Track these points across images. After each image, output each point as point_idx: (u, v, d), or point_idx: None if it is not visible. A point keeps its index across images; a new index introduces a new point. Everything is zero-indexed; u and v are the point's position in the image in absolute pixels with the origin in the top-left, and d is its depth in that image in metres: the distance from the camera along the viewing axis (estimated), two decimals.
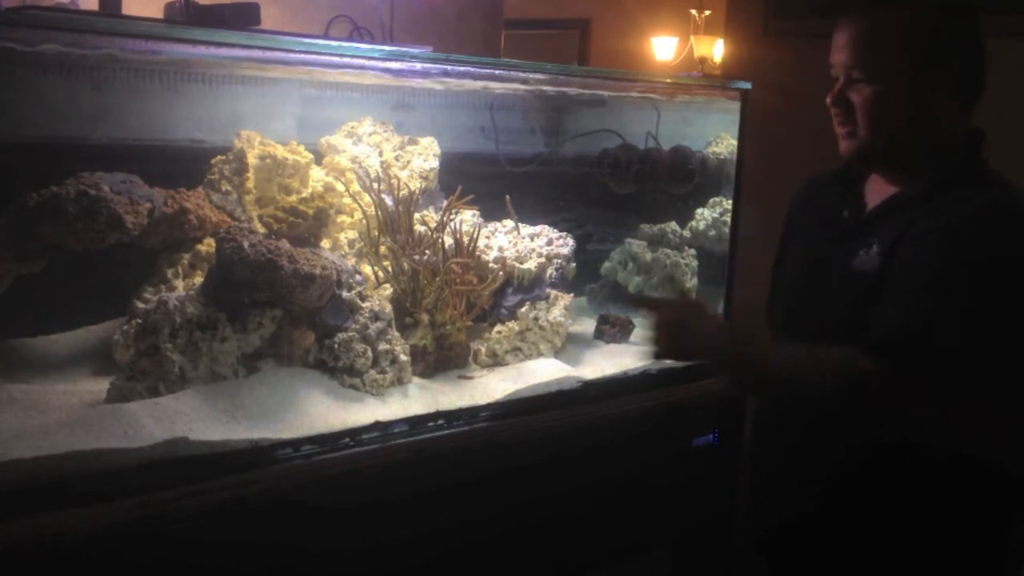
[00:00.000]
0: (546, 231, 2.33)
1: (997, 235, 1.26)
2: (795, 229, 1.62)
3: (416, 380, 1.92)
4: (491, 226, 2.28)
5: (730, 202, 2.50)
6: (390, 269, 2.00)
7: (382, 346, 1.85)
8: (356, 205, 2.10)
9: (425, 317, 1.98)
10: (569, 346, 2.28)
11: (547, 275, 2.26)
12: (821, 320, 1.43)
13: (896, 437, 1.34)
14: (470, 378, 2.01)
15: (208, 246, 1.91)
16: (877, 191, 1.44)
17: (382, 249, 2.01)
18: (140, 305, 1.81)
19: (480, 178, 2.22)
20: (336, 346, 1.81)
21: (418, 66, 1.94)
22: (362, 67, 1.95)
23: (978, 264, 1.25)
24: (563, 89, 2.39)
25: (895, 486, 1.36)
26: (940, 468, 1.33)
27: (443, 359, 2.02)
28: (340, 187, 2.12)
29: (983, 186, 1.33)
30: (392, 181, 2.08)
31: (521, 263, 2.22)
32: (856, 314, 1.35)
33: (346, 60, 1.88)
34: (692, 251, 2.78)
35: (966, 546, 1.36)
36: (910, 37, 1.31)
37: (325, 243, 2.08)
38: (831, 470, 1.41)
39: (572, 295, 2.28)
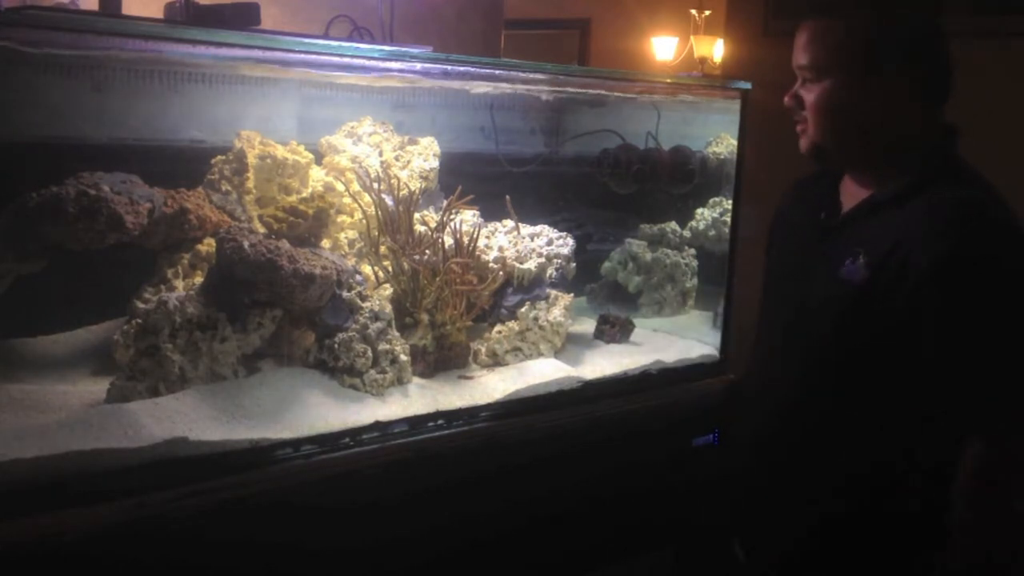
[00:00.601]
0: (546, 231, 2.33)
1: (974, 240, 1.27)
2: (781, 231, 1.63)
3: (416, 380, 1.92)
4: (491, 226, 2.28)
5: (730, 202, 2.50)
6: (390, 269, 2.00)
7: (382, 346, 1.85)
8: (356, 205, 2.10)
9: (425, 317, 1.98)
10: (569, 346, 2.28)
11: (547, 275, 2.26)
12: (806, 324, 1.44)
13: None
14: (470, 378, 2.01)
15: (208, 246, 1.91)
16: (850, 192, 1.46)
17: (382, 249, 2.01)
18: (140, 305, 1.81)
19: (480, 178, 2.22)
20: (336, 346, 1.81)
21: (418, 66, 1.94)
22: (362, 67, 1.95)
23: (987, 287, 1.26)
24: (563, 89, 2.39)
25: (892, 503, 1.36)
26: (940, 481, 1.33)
27: (443, 359, 2.02)
28: (340, 187, 2.12)
29: (954, 186, 1.33)
30: (392, 181, 2.08)
31: (521, 263, 2.22)
32: (842, 321, 1.37)
33: (346, 60, 1.88)
34: (692, 251, 2.79)
35: None
36: (857, 39, 1.34)
37: (325, 243, 2.08)
38: (828, 486, 1.41)
39: (572, 295, 2.28)
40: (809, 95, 1.40)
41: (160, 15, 1.80)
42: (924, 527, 1.33)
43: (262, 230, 1.89)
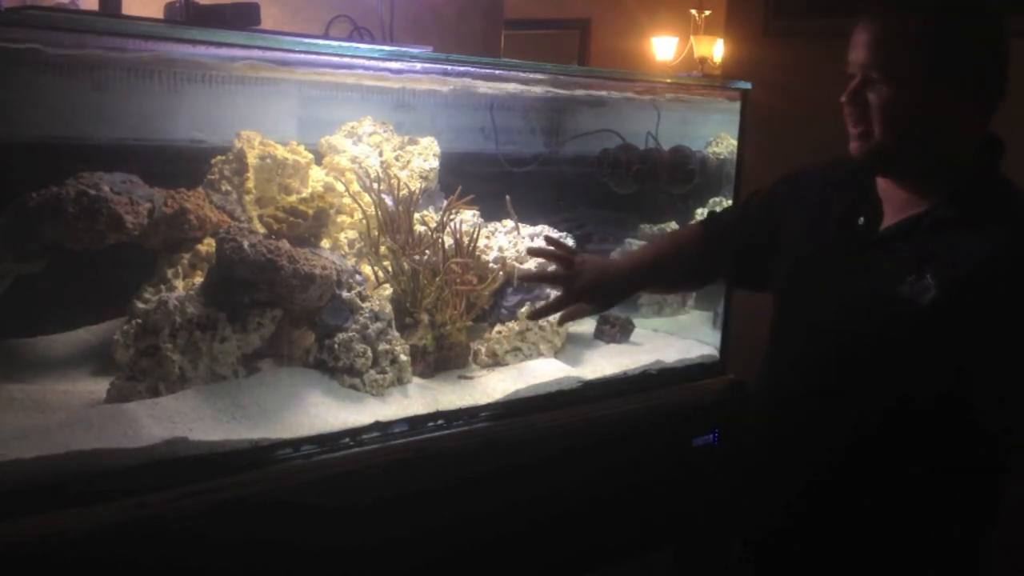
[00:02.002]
0: (546, 231, 2.33)
1: None
2: (790, 222, 1.54)
3: (416, 380, 1.92)
4: (491, 226, 2.28)
5: (730, 202, 2.50)
6: (390, 269, 2.00)
7: (382, 346, 1.85)
8: (356, 205, 2.10)
9: (425, 317, 1.98)
10: (569, 346, 2.28)
11: None
12: (843, 337, 1.38)
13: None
14: (470, 378, 2.01)
15: (208, 246, 1.91)
16: (895, 199, 1.38)
17: (382, 249, 2.01)
18: (140, 305, 1.81)
19: (480, 178, 2.22)
20: (336, 346, 1.81)
21: (418, 66, 1.94)
22: (362, 67, 1.95)
23: None
24: (563, 89, 2.38)
25: (897, 489, 1.35)
26: (949, 473, 1.32)
27: (443, 359, 2.02)
28: (340, 187, 2.12)
29: (1022, 208, 1.31)
30: (392, 181, 2.08)
31: (521, 263, 2.22)
32: (898, 338, 1.31)
33: (346, 60, 1.88)
34: None
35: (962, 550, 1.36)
36: (931, 41, 1.27)
37: (325, 243, 2.08)
38: (870, 502, 1.38)
39: None
40: (876, 96, 1.30)
41: (160, 15, 1.80)
42: (969, 551, 1.32)
43: (262, 230, 1.89)
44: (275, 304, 1.78)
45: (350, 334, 1.83)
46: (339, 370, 1.82)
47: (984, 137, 1.35)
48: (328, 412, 1.72)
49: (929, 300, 1.27)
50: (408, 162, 2.25)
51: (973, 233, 1.28)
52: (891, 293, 1.31)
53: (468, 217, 2.19)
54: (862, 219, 1.41)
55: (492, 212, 2.25)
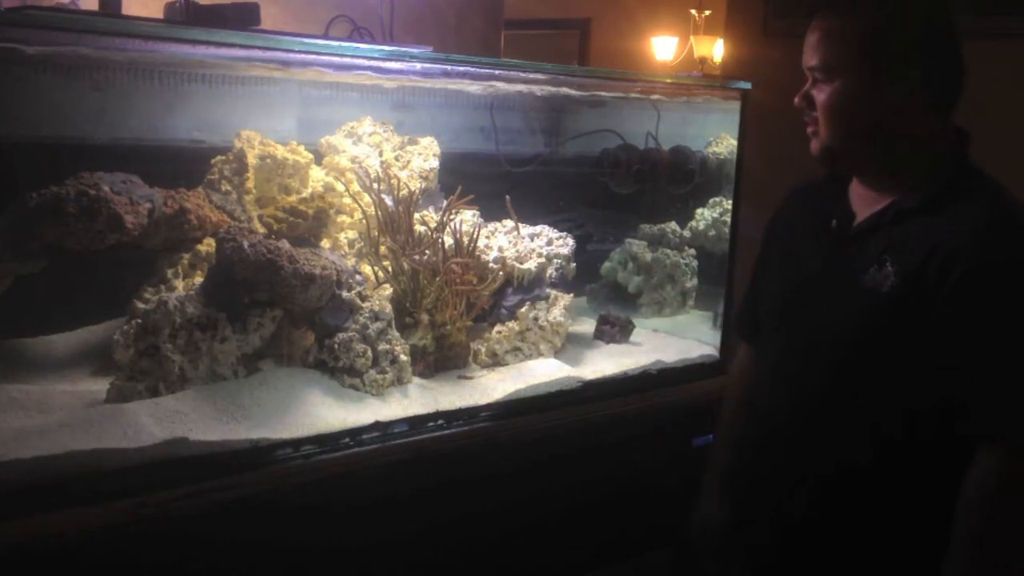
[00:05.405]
0: (546, 231, 2.33)
1: (1016, 249, 1.25)
2: (778, 241, 1.59)
3: (416, 380, 1.92)
4: (491, 226, 2.28)
5: (730, 202, 2.50)
6: (390, 269, 2.00)
7: (382, 346, 1.85)
8: (356, 205, 2.10)
9: (425, 317, 1.98)
10: (569, 346, 2.28)
11: (547, 275, 2.26)
12: (819, 333, 1.40)
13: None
14: (470, 378, 2.01)
15: (208, 246, 1.91)
16: (862, 199, 1.42)
17: (382, 249, 2.02)
18: (140, 305, 1.81)
19: (480, 178, 2.22)
20: (336, 346, 1.81)
21: (418, 66, 1.94)
22: (362, 67, 1.95)
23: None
24: (563, 89, 2.39)
25: (907, 510, 1.36)
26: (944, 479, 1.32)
27: (443, 359, 2.02)
28: (340, 187, 2.12)
29: (986, 197, 1.31)
30: (392, 181, 2.08)
31: (521, 263, 2.22)
32: (866, 329, 1.34)
33: (346, 60, 1.88)
34: (692, 251, 2.79)
35: None
36: (869, 39, 1.31)
37: (325, 243, 2.08)
38: (841, 490, 1.39)
39: (572, 295, 2.28)
40: (820, 95, 1.36)
41: (160, 15, 1.80)
42: (933, 537, 1.32)
43: (262, 230, 1.89)
44: (275, 304, 1.78)
45: (350, 334, 1.83)
46: (339, 370, 1.82)
47: (949, 131, 1.37)
48: (328, 412, 1.72)
49: (888, 288, 1.30)
50: (408, 162, 2.25)
51: (934, 220, 1.30)
52: (857, 286, 1.34)
53: (468, 217, 2.19)
54: (835, 221, 1.44)
55: (492, 212, 2.25)
